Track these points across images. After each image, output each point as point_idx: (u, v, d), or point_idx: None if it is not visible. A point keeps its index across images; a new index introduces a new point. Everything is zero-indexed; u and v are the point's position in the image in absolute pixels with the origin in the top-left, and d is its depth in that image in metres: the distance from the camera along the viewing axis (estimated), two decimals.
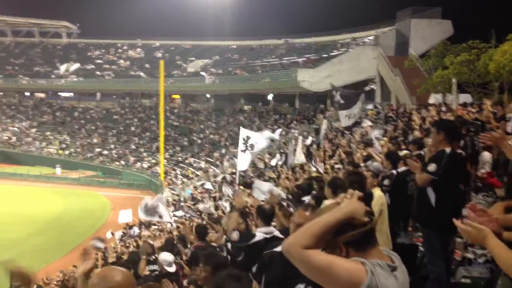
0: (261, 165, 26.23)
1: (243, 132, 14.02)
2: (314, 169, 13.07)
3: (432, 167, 4.83)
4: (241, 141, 13.82)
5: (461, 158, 5.20)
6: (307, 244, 1.85)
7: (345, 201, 1.98)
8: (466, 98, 22.84)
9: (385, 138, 13.00)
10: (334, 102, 11.39)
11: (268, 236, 4.36)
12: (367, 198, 3.25)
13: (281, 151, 28.87)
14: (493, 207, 3.15)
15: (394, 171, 6.67)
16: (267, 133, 14.68)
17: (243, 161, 13.87)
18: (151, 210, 12.33)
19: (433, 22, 40.89)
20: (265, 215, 4.66)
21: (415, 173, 5.08)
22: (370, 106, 31.40)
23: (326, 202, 3.19)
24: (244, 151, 13.53)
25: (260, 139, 13.74)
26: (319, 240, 1.87)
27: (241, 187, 17.16)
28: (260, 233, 4.41)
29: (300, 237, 1.88)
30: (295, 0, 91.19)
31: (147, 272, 7.20)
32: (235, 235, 4.53)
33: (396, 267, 1.94)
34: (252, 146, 13.50)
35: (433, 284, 4.73)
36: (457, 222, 2.27)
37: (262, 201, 7.79)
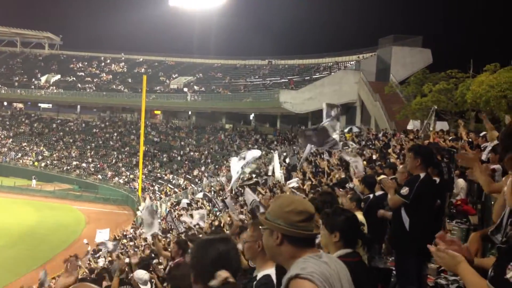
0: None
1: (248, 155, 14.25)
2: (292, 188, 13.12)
3: (404, 190, 4.94)
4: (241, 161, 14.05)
5: (435, 184, 5.31)
6: None
7: None
8: (443, 125, 23.27)
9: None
10: (307, 137, 11.27)
11: None
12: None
13: (260, 171, 28.93)
14: (469, 239, 3.21)
15: (370, 195, 6.75)
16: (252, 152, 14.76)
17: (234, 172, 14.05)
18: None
19: (414, 50, 41.78)
20: None
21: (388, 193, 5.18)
22: (355, 129, 31.82)
23: None
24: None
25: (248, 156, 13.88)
26: None
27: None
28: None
29: None
30: (280, 22, 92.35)
31: None
32: None
33: (321, 255, 2.13)
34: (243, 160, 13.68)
35: None
36: (431, 248, 2.33)
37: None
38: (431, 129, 13.99)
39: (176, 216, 22.47)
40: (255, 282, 2.79)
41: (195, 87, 56.90)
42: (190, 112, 58.61)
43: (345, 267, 2.20)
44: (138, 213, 35.22)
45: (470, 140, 10.33)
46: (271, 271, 2.86)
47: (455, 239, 2.34)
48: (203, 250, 2.22)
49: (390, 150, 14.56)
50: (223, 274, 2.09)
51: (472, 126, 21.20)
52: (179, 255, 7.15)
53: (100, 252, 20.48)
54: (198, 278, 2.19)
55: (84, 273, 15.02)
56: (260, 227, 2.32)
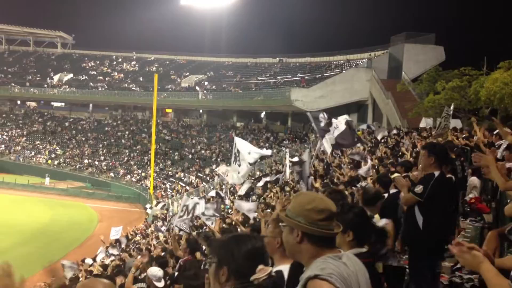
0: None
1: (240, 144, 13.72)
2: (303, 187, 13.05)
3: (418, 188, 4.89)
4: (234, 154, 13.58)
5: (449, 182, 5.25)
6: None
7: None
8: (456, 123, 23.06)
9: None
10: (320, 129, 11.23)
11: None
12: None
13: (272, 169, 28.90)
14: (487, 238, 3.20)
15: (385, 194, 6.70)
16: (258, 150, 14.44)
17: (234, 173, 13.55)
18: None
19: (427, 48, 41.44)
20: None
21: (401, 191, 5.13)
22: (363, 126, 31.68)
23: None
24: (235, 161, 13.25)
25: (251, 152, 13.48)
26: None
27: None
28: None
29: None
30: (291, 20, 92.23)
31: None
32: None
33: (342, 256, 2.13)
34: (243, 158, 13.27)
35: None
36: (452, 248, 2.33)
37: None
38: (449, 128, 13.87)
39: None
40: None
41: (206, 85, 57.04)
42: (201, 111, 58.76)
43: (364, 268, 2.19)
44: (148, 211, 35.43)
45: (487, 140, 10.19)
46: (284, 267, 2.95)
47: (474, 245, 2.34)
48: (234, 246, 2.19)
49: (402, 148, 14.45)
50: (266, 268, 2.07)
51: (486, 124, 20.96)
52: (187, 253, 7.17)
53: (112, 251, 20.57)
54: (232, 274, 2.14)
55: (98, 270, 15.09)
56: (280, 224, 2.31)
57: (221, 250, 2.20)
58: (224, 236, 2.47)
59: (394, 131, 23.92)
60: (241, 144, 13.12)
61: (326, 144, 12.35)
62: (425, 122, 25.18)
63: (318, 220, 2.14)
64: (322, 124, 11.74)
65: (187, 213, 11.24)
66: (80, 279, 14.00)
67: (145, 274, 7.26)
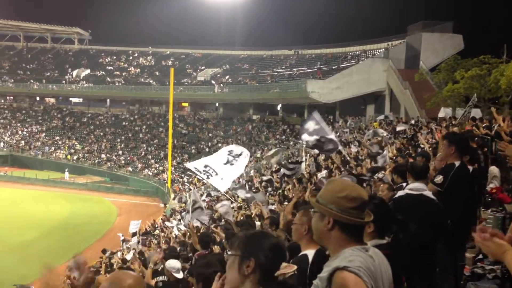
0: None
1: (229, 148, 13.79)
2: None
3: (438, 178, 4.82)
4: (224, 154, 13.46)
5: (470, 173, 5.16)
6: None
7: None
8: (475, 112, 22.72)
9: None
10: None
11: None
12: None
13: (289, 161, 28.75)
14: (511, 227, 3.16)
15: (404, 184, 6.63)
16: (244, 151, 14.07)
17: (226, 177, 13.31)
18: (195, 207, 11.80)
19: (444, 36, 40.82)
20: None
21: None
22: (381, 117, 31.41)
23: None
24: (226, 164, 13.10)
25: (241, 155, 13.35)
26: None
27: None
28: None
29: None
30: (306, 11, 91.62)
31: (152, 282, 7.04)
32: None
33: (369, 248, 2.12)
34: (237, 156, 13.18)
35: None
36: (476, 236, 2.30)
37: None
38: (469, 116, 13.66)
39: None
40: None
41: (222, 79, 57.06)
42: (217, 104, 58.85)
43: (387, 262, 2.17)
44: (169, 205, 35.67)
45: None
46: (309, 252, 3.13)
47: (498, 232, 2.29)
48: (262, 239, 2.17)
49: (421, 137, 14.27)
50: (291, 265, 2.06)
51: (506, 112, 20.60)
52: (201, 248, 7.14)
53: (130, 244, 20.80)
54: (258, 267, 2.10)
55: (118, 263, 15.28)
56: (311, 210, 2.29)
57: (249, 242, 2.17)
58: (246, 229, 2.46)
59: (412, 122, 23.70)
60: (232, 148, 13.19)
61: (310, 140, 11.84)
62: (443, 112, 24.84)
63: (350, 208, 2.12)
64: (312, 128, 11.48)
65: (199, 207, 11.34)
66: (101, 272, 14.19)
67: (161, 266, 7.31)
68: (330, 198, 2.15)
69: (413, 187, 4.60)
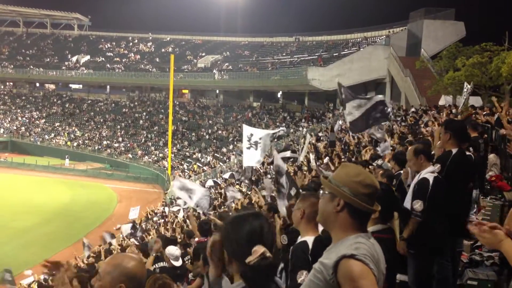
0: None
1: (246, 130, 13.76)
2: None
3: (436, 167, 4.79)
4: (245, 139, 13.58)
5: (468, 160, 5.13)
6: None
7: None
8: (476, 100, 22.65)
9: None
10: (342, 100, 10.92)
11: None
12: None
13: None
14: (509, 214, 3.16)
15: (401, 171, 6.61)
16: (269, 131, 14.31)
17: (249, 158, 13.57)
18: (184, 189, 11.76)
19: (446, 24, 40.56)
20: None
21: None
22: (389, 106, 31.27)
23: None
24: (249, 148, 13.22)
25: (263, 136, 13.44)
26: None
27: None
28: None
29: None
30: None
31: (151, 268, 7.06)
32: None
33: (370, 235, 2.15)
34: (256, 143, 13.21)
35: (439, 285, 4.69)
36: (472, 228, 2.32)
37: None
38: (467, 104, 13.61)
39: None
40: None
41: (223, 66, 56.84)
42: (217, 91, 58.71)
43: (380, 248, 2.17)
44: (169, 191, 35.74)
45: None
46: (309, 238, 3.19)
47: (496, 225, 2.30)
48: (236, 226, 2.12)
49: (422, 126, 14.26)
50: (259, 249, 2.01)
51: (507, 101, 20.52)
52: (201, 235, 7.12)
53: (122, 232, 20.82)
54: (233, 256, 2.08)
55: (116, 251, 15.32)
56: (323, 191, 2.27)
57: (224, 232, 2.15)
58: (229, 217, 2.45)
59: (413, 109, 23.62)
60: (251, 131, 13.11)
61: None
62: (444, 100, 24.79)
63: (363, 194, 2.12)
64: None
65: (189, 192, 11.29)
66: (102, 258, 14.24)
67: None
68: (345, 180, 2.15)
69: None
